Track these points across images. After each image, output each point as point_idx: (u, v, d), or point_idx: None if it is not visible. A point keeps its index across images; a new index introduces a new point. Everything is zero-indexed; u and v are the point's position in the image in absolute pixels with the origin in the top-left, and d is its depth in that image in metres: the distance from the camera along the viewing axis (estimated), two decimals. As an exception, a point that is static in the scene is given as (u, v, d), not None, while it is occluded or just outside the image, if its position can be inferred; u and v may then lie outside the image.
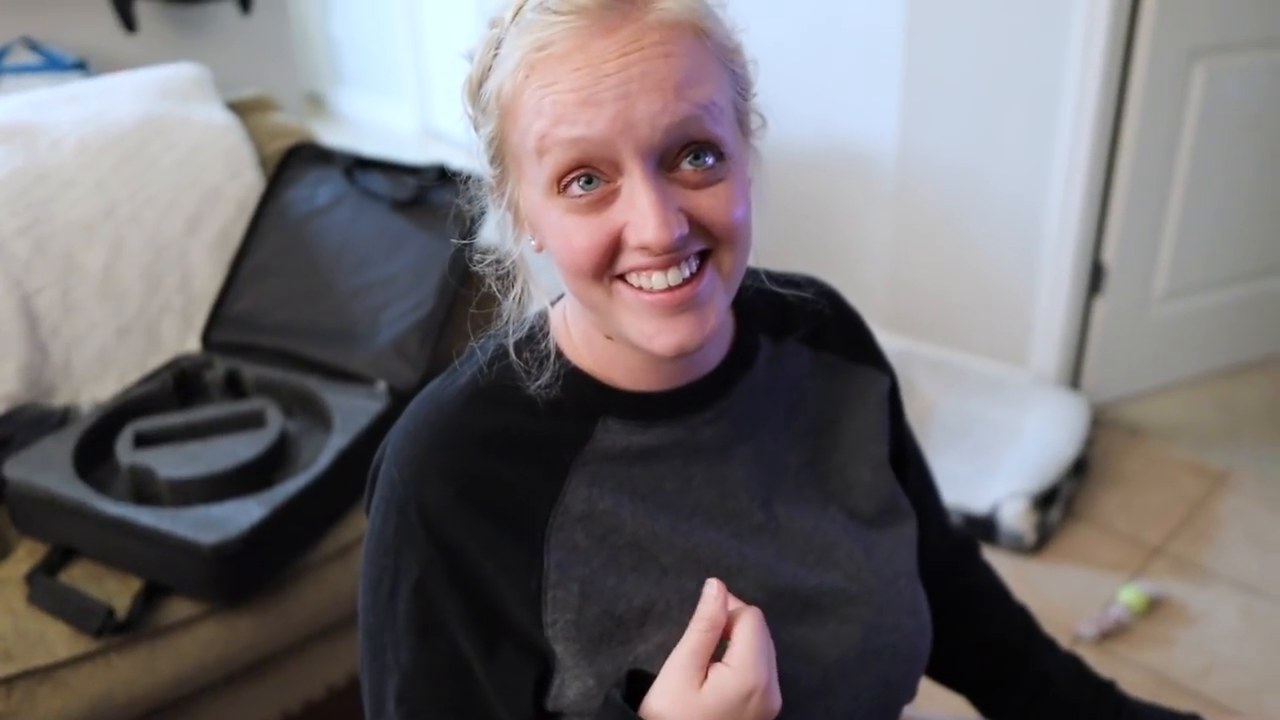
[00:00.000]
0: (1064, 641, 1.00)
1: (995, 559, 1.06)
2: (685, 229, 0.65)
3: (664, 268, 0.66)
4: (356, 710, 0.83)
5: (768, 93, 0.74)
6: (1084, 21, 2.20)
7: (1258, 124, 2.45)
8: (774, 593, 0.77)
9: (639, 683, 0.71)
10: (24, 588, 1.41)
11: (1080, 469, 2.29)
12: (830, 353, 0.86)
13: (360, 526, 1.56)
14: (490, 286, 0.77)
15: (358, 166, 1.91)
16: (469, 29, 3.94)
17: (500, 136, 0.69)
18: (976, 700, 0.99)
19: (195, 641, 1.42)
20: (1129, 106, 2.30)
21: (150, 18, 2.85)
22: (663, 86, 0.63)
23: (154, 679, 1.40)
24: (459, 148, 0.76)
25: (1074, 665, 0.97)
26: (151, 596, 1.41)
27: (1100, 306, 2.50)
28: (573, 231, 0.67)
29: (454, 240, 0.84)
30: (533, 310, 0.79)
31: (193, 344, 1.84)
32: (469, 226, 0.82)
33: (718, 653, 0.69)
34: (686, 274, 0.67)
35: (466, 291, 1.68)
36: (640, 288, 0.67)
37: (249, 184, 1.91)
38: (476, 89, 0.70)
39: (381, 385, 1.67)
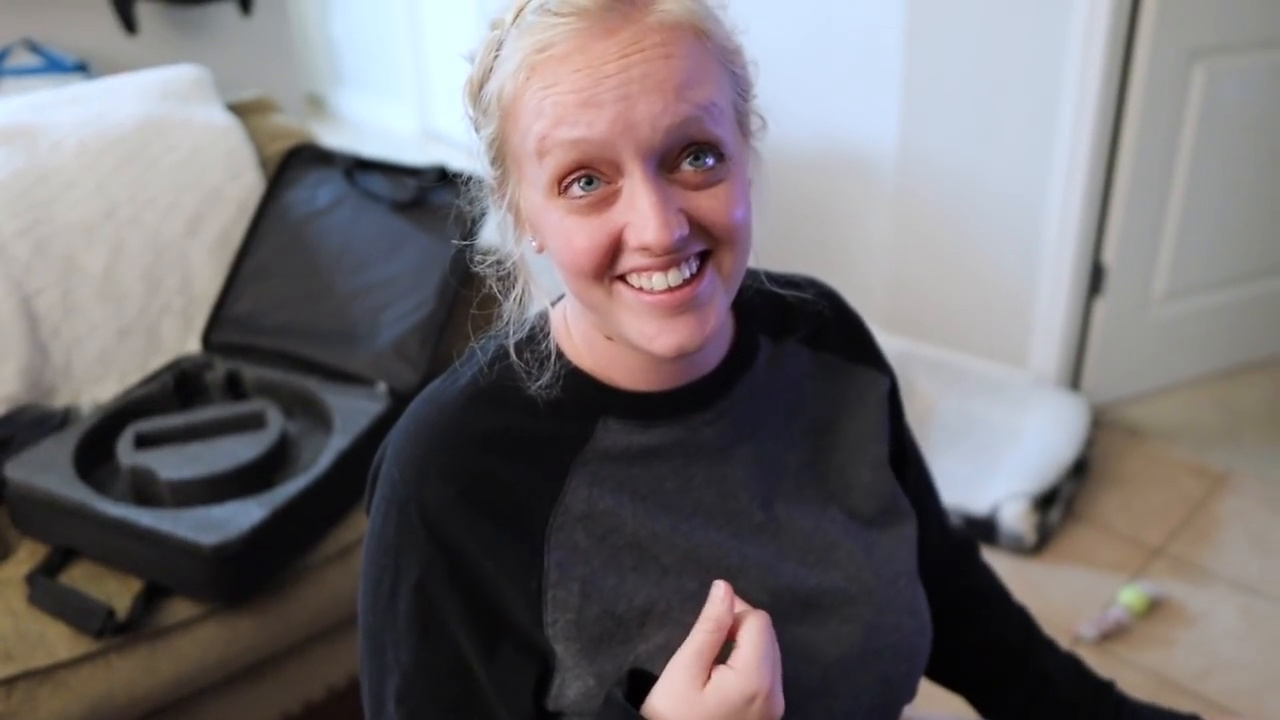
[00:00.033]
0: (1064, 642, 1.00)
1: (995, 560, 1.07)
2: (685, 230, 0.66)
3: (664, 268, 0.67)
4: (357, 711, 0.83)
5: (768, 94, 0.74)
6: (1084, 22, 2.21)
7: (1258, 125, 2.45)
8: (774, 593, 0.77)
9: (640, 682, 0.71)
10: (25, 588, 1.41)
11: (1080, 470, 2.29)
12: (830, 353, 0.86)
13: (360, 528, 1.56)
14: (491, 287, 0.77)
15: (358, 168, 1.91)
16: (469, 30, 3.95)
17: (501, 138, 0.69)
18: (976, 701, 0.99)
19: (196, 642, 1.42)
20: (1129, 107, 2.30)
21: (151, 19, 2.85)
22: (663, 88, 0.63)
23: (154, 680, 1.40)
24: (459, 149, 0.76)
25: (1073, 665, 0.97)
26: (152, 597, 1.41)
27: (1100, 307, 2.50)
28: (573, 232, 0.67)
29: (455, 241, 0.84)
30: (533, 311, 0.79)
31: (193, 345, 1.84)
32: (470, 228, 0.82)
33: (723, 655, 0.69)
34: (687, 275, 0.67)
35: (467, 292, 1.68)
36: (641, 288, 0.68)
37: (249, 185, 1.92)
38: (477, 90, 0.70)
39: (382, 386, 1.68)
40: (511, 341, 0.76)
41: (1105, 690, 0.95)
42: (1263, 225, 2.59)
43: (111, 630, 1.36)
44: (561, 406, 0.75)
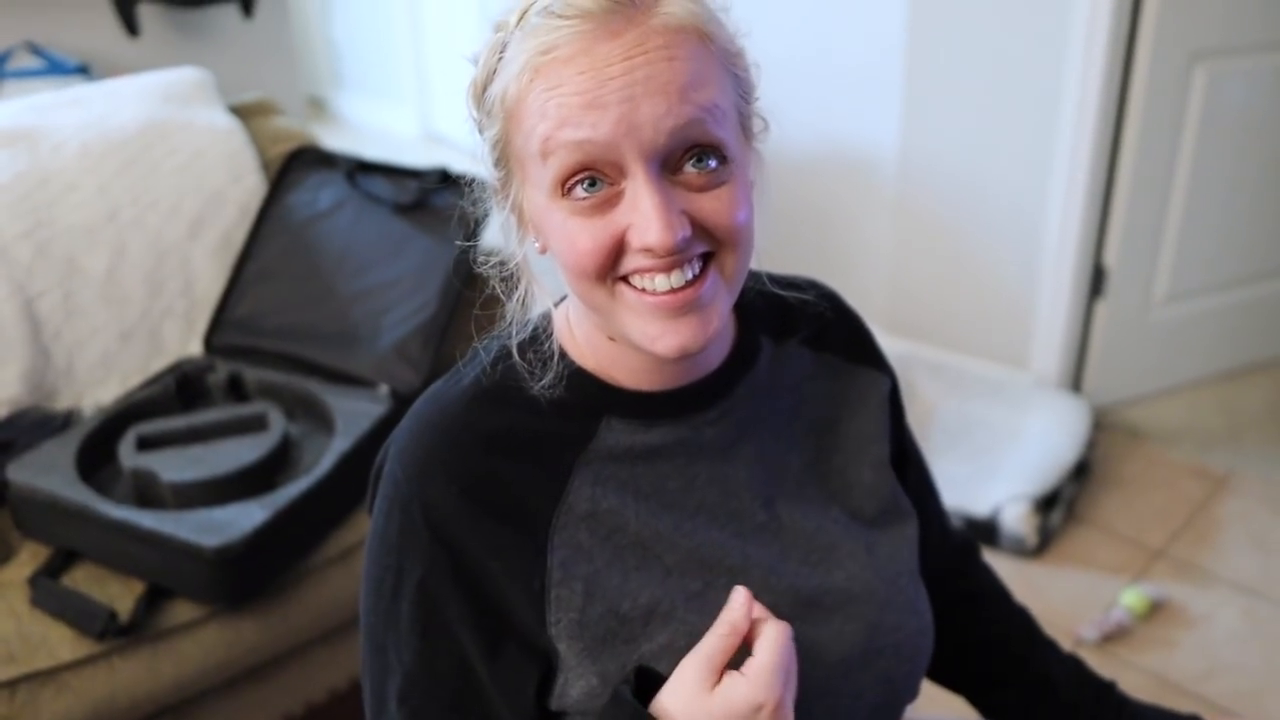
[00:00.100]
0: (1065, 644, 1.00)
1: (996, 561, 1.07)
2: (688, 231, 0.66)
3: (667, 270, 0.67)
4: (358, 713, 0.83)
5: (770, 98, 0.74)
6: (1085, 25, 2.21)
7: (1259, 127, 2.46)
8: (777, 592, 0.77)
9: (646, 681, 0.71)
10: (27, 590, 1.41)
11: (1082, 472, 2.29)
12: (831, 354, 0.86)
13: (362, 529, 1.56)
14: (494, 288, 0.78)
15: (360, 170, 1.91)
16: (470, 32, 3.95)
17: (505, 139, 0.70)
18: (977, 701, 0.99)
19: (197, 644, 1.42)
20: (1130, 109, 2.30)
21: (152, 22, 2.85)
22: (666, 90, 0.64)
23: (156, 682, 1.40)
24: (460, 151, 0.76)
25: (1075, 666, 0.97)
26: (154, 599, 1.41)
27: (1101, 309, 2.50)
28: (576, 233, 0.67)
29: (458, 242, 0.84)
30: (536, 312, 0.79)
31: (195, 347, 1.84)
32: (473, 229, 0.83)
33: (739, 660, 0.69)
34: (689, 276, 0.68)
35: (470, 293, 1.68)
36: (643, 289, 0.68)
37: (251, 188, 1.92)
38: (481, 92, 0.71)
39: (383, 388, 1.68)
40: (514, 342, 0.77)
41: (1106, 691, 0.95)
42: (1264, 227, 2.60)
43: (114, 632, 1.36)
44: (564, 406, 0.76)
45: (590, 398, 0.76)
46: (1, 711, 1.31)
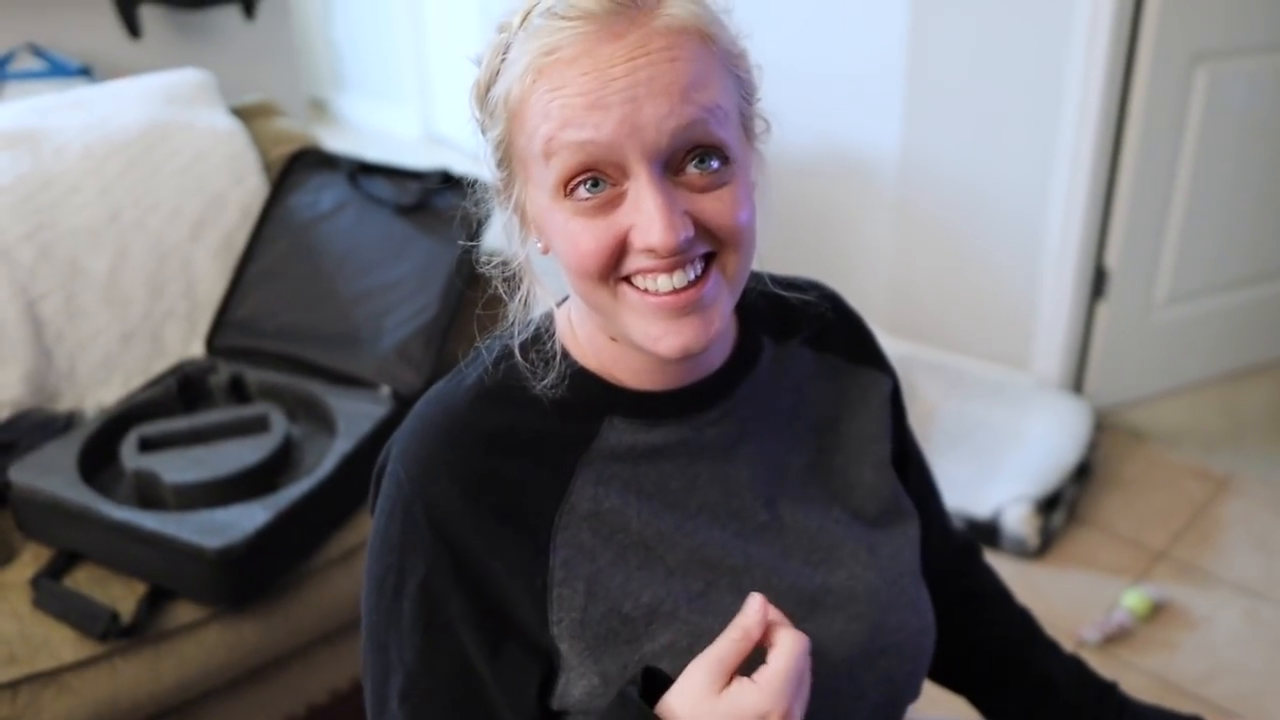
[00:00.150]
0: (1067, 646, 1.00)
1: (998, 563, 1.07)
2: (690, 232, 0.66)
3: (669, 270, 0.67)
4: (359, 714, 0.83)
5: (771, 100, 0.74)
6: (1086, 26, 2.21)
7: (1260, 128, 2.46)
8: (779, 592, 0.77)
9: (651, 682, 0.71)
10: (29, 592, 1.41)
11: (1083, 473, 2.29)
12: (832, 354, 0.87)
13: (364, 530, 1.56)
14: (496, 288, 0.78)
15: (361, 172, 1.91)
16: (471, 34, 3.96)
17: (507, 140, 0.70)
18: (978, 702, 0.99)
19: (199, 645, 1.43)
20: (1131, 110, 2.30)
21: (154, 24, 2.86)
22: (669, 90, 0.64)
23: (158, 683, 1.40)
24: (462, 152, 0.77)
25: (1076, 667, 0.97)
26: (156, 600, 1.42)
27: (1103, 311, 2.50)
28: (579, 234, 0.67)
29: (461, 242, 0.84)
30: (538, 312, 0.79)
31: (197, 349, 1.85)
32: (475, 229, 0.83)
33: (753, 665, 0.68)
34: (692, 276, 0.68)
35: (473, 293, 1.68)
36: (646, 290, 0.68)
37: (253, 189, 1.92)
38: (484, 93, 0.71)
39: (385, 390, 1.68)
40: (516, 342, 0.77)
41: (1108, 692, 0.95)
42: (1265, 228, 2.59)
43: (116, 633, 1.37)
44: (567, 406, 0.76)
45: (593, 397, 0.76)
46: (4, 712, 1.31)
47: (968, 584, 1.00)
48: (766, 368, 0.82)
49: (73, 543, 1.46)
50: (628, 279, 0.69)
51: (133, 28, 2.77)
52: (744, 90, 0.71)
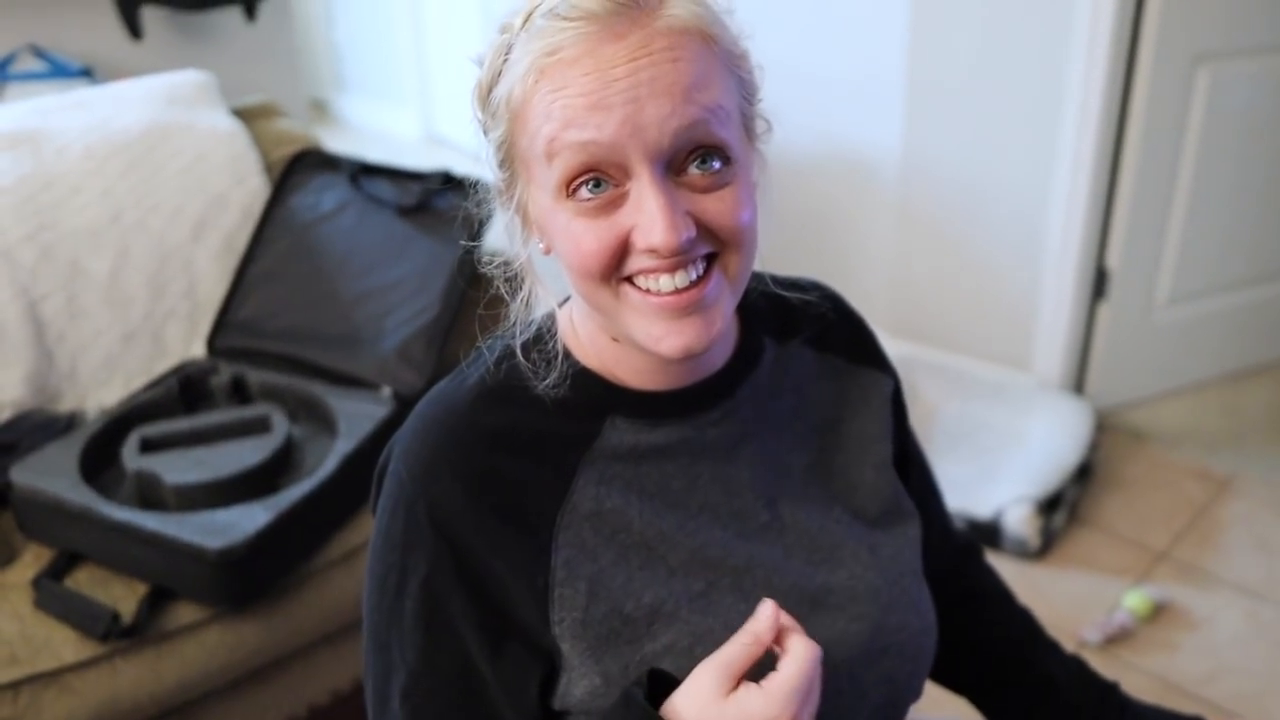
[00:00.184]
0: (1068, 646, 1.00)
1: (999, 563, 1.07)
2: (692, 232, 0.66)
3: (671, 270, 0.67)
4: (361, 715, 0.83)
5: (772, 101, 0.74)
6: (1087, 26, 2.21)
7: (1262, 128, 2.45)
8: (781, 591, 0.77)
9: (657, 683, 0.71)
10: (30, 592, 1.41)
11: (1084, 474, 2.29)
12: (834, 355, 0.87)
13: (365, 531, 1.56)
14: (498, 289, 0.78)
15: (362, 172, 1.91)
16: (472, 35, 3.96)
17: (509, 140, 0.70)
18: (979, 702, 0.99)
19: (200, 646, 1.43)
20: (1133, 111, 2.30)
21: (156, 25, 2.86)
22: (671, 91, 0.64)
23: (159, 684, 1.40)
24: (463, 153, 0.77)
25: (1077, 667, 0.97)
26: (157, 601, 1.42)
27: (1104, 311, 2.50)
28: (581, 234, 0.67)
29: (463, 242, 0.85)
30: (540, 312, 0.79)
31: (198, 350, 1.85)
32: (477, 230, 0.83)
33: (761, 673, 0.67)
34: (693, 276, 0.68)
35: (475, 293, 1.68)
36: (648, 290, 0.68)
37: (254, 190, 1.92)
38: (486, 94, 0.71)
39: (386, 390, 1.68)
40: (518, 342, 0.77)
41: (1109, 692, 0.95)
42: (1267, 229, 2.59)
43: (117, 634, 1.37)
44: (569, 405, 0.76)
45: (595, 397, 0.76)
46: (5, 713, 1.31)
47: (969, 584, 1.00)
48: (768, 368, 0.82)
49: (74, 543, 1.46)
50: (630, 279, 0.69)
51: (134, 29, 2.78)
52: (745, 91, 0.71)
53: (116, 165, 1.82)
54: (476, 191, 0.79)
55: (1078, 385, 2.57)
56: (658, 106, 0.64)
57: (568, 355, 0.77)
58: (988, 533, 2.13)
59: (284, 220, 1.89)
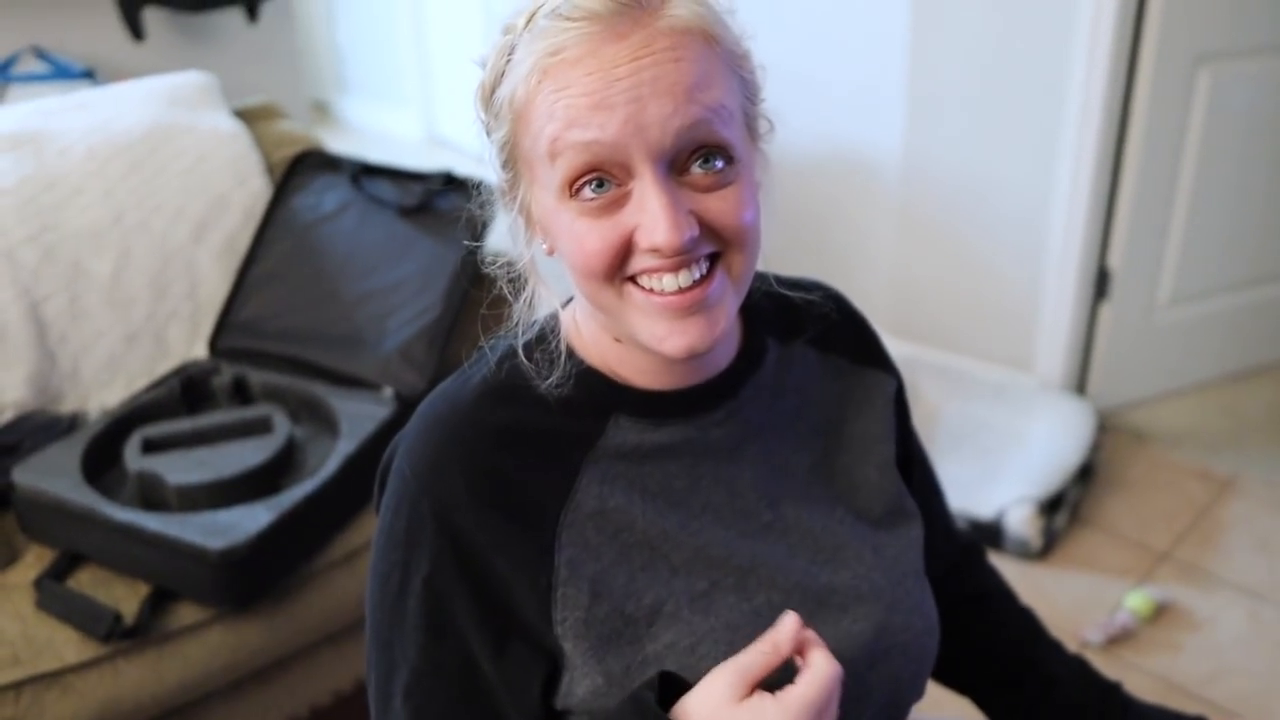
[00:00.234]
0: (1070, 647, 1.00)
1: (1001, 564, 1.07)
2: (695, 231, 0.66)
3: (674, 269, 0.67)
4: (362, 716, 0.83)
5: (773, 102, 0.75)
6: (1089, 27, 2.21)
7: (1263, 129, 2.45)
8: (786, 590, 0.77)
9: (666, 685, 0.70)
10: (33, 593, 1.41)
11: (1086, 474, 2.29)
12: (837, 355, 0.87)
13: (367, 532, 1.56)
14: (501, 289, 0.78)
15: (364, 173, 1.91)
16: (474, 36, 3.96)
17: (513, 141, 0.70)
18: (982, 702, 0.99)
19: (202, 647, 1.43)
20: (1134, 111, 2.30)
21: (157, 26, 2.86)
22: (673, 90, 0.64)
23: (161, 684, 1.40)
24: (464, 154, 0.77)
25: (1080, 667, 0.97)
26: (159, 602, 1.42)
27: (1106, 312, 2.50)
28: (584, 234, 0.67)
29: (467, 243, 0.85)
30: (543, 313, 0.79)
31: (200, 350, 1.85)
32: (480, 230, 0.83)
33: (779, 683, 0.67)
34: (697, 276, 0.68)
35: (478, 293, 1.68)
36: (651, 290, 0.68)
37: (256, 191, 1.92)
38: (489, 94, 0.71)
39: (388, 391, 1.68)
40: (521, 342, 0.77)
41: (1112, 691, 0.95)
42: (1268, 229, 2.59)
43: (119, 635, 1.37)
44: (573, 404, 0.76)
45: (599, 396, 0.76)
46: (7, 713, 1.31)
47: (971, 584, 1.00)
48: (771, 369, 0.82)
49: (76, 544, 1.46)
50: (633, 279, 0.69)
51: (136, 30, 2.78)
52: (748, 91, 0.71)
53: (118, 166, 1.82)
54: (480, 193, 0.79)
55: (1079, 386, 2.57)
56: (660, 106, 0.64)
57: (571, 354, 0.77)
58: (989, 533, 2.13)
59: (286, 221, 1.89)
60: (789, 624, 0.68)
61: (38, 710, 1.32)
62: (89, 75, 2.65)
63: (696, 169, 0.67)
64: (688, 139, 0.65)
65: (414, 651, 0.74)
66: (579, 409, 0.76)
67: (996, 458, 2.28)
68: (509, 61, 0.69)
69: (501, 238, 0.79)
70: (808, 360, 0.85)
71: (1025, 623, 1.00)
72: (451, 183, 1.82)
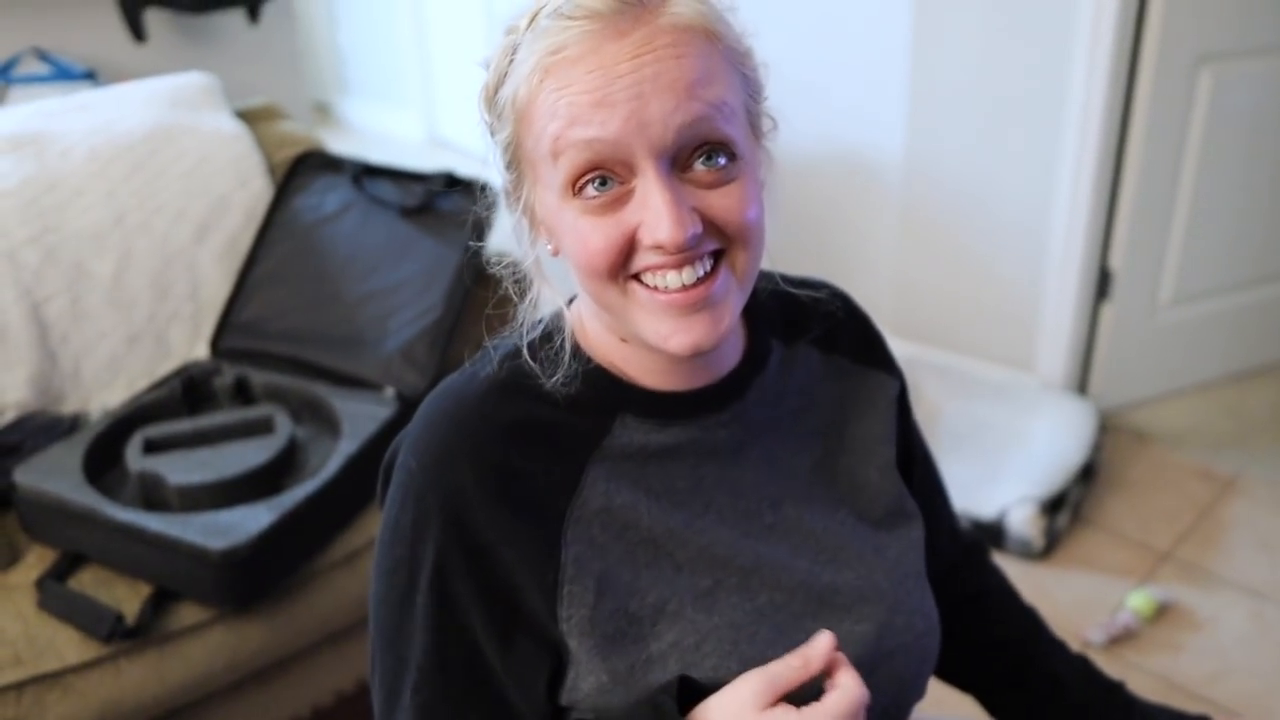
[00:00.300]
0: (1072, 647, 1.00)
1: (1003, 564, 1.07)
2: (699, 228, 0.66)
3: (678, 266, 0.67)
4: (364, 716, 0.83)
5: (774, 101, 0.75)
6: (1090, 27, 2.21)
7: (1265, 129, 2.45)
8: (790, 590, 0.77)
9: (686, 693, 0.70)
10: (34, 593, 1.41)
11: (1088, 474, 2.29)
12: (840, 355, 0.87)
13: (369, 532, 1.56)
14: (507, 289, 0.78)
15: (365, 174, 1.91)
16: (476, 38, 3.96)
17: (516, 141, 0.70)
18: (986, 701, 0.99)
19: (204, 647, 1.43)
20: (1135, 112, 2.30)
21: (159, 27, 2.86)
22: (675, 87, 0.64)
23: (163, 685, 1.40)
24: (465, 155, 0.77)
25: (1083, 666, 0.97)
26: (161, 602, 1.42)
27: (1107, 312, 2.50)
28: (588, 232, 0.67)
29: (472, 243, 0.85)
30: (548, 311, 0.79)
31: (201, 351, 1.85)
32: (483, 231, 0.83)
33: (802, 701, 0.67)
34: (701, 273, 0.68)
35: (483, 293, 1.68)
36: (655, 287, 0.68)
37: (257, 192, 1.92)
38: (493, 95, 0.71)
39: (390, 391, 1.68)
40: (526, 341, 0.77)
41: (1115, 691, 0.95)
42: (1270, 229, 2.59)
43: (120, 635, 1.37)
44: (580, 402, 0.76)
45: (605, 394, 0.76)
46: (8, 714, 1.31)
47: (975, 583, 1.00)
48: (775, 370, 0.82)
49: (78, 544, 1.46)
50: (637, 277, 0.69)
51: (137, 32, 2.78)
52: (750, 88, 0.71)
53: (120, 167, 1.82)
54: (485, 194, 0.79)
55: (1081, 386, 2.57)
56: (661, 102, 0.64)
57: (578, 352, 0.77)
58: (991, 533, 2.13)
59: (287, 222, 1.89)
60: (823, 642, 0.68)
61: (39, 710, 1.32)
62: (90, 76, 2.65)
63: (699, 166, 0.67)
64: (690, 135, 0.65)
65: (422, 645, 0.74)
66: (585, 407, 0.76)
67: (998, 458, 2.28)
68: (512, 62, 0.69)
69: (504, 238, 0.79)
70: (810, 361, 0.85)
71: (1028, 622, 1.00)
72: (453, 183, 1.82)
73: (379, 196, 1.87)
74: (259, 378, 1.74)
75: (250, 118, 2.05)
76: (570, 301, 0.80)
